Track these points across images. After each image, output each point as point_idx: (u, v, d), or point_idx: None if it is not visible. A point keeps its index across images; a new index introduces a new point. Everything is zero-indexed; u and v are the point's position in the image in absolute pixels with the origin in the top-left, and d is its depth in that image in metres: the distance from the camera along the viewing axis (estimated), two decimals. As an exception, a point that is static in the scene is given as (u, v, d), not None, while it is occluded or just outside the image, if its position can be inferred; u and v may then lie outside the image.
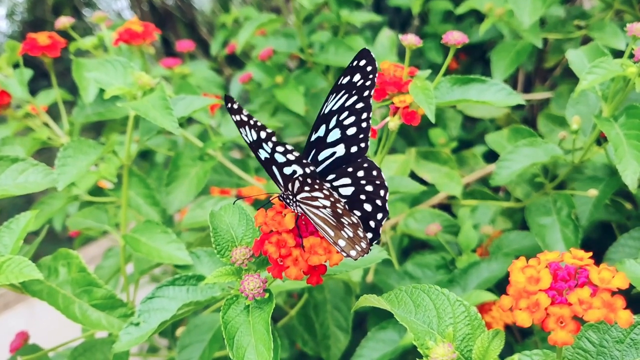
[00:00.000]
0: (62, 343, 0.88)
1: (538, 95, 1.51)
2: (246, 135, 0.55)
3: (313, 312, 1.03)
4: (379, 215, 0.59)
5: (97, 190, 1.19)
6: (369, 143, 0.60)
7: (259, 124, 0.53)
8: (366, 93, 0.59)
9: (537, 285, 0.45)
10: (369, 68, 0.59)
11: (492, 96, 0.83)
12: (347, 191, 0.60)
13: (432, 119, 0.76)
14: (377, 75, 0.59)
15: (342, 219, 0.54)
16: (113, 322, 0.75)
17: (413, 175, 1.19)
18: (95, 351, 0.79)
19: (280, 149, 0.54)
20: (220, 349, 0.80)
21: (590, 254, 0.47)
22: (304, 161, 0.55)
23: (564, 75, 1.60)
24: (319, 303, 1.03)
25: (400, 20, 2.00)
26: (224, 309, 0.59)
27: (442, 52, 1.60)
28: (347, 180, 0.60)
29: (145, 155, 1.62)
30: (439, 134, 1.47)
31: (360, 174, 0.59)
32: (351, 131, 0.60)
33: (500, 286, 0.99)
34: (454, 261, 1.05)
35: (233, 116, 0.54)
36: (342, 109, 0.60)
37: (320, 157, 0.61)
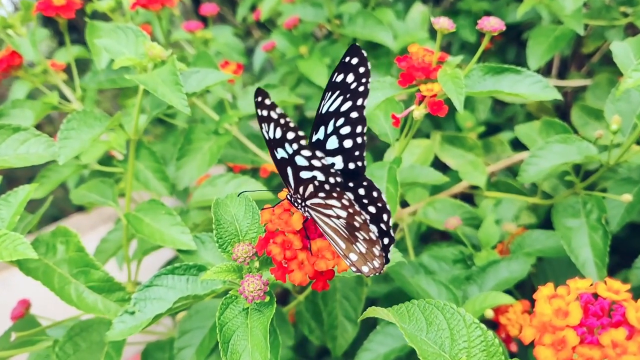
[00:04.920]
0: (64, 319, 0.86)
1: (573, 82, 1.43)
2: (267, 132, 0.49)
3: (321, 300, 0.99)
4: (385, 240, 0.54)
5: (109, 160, 1.15)
6: (365, 163, 0.54)
7: (291, 125, 0.47)
8: (359, 102, 0.53)
9: (565, 319, 0.40)
10: (361, 70, 0.52)
11: (526, 89, 0.78)
12: None
13: (460, 110, 0.72)
14: (369, 79, 0.52)
15: (357, 233, 0.50)
16: (110, 306, 0.72)
17: (437, 160, 1.14)
18: (92, 331, 0.76)
19: (306, 153, 0.48)
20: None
21: (628, 286, 0.42)
22: (332, 170, 0.49)
23: (602, 62, 1.51)
24: (328, 291, 0.99)
25: (434, -5, 1.92)
26: (220, 310, 0.55)
27: (475, 31, 1.52)
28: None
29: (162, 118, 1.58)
30: (467, 117, 1.42)
31: (362, 192, 0.54)
32: (348, 144, 0.54)
33: (519, 287, 0.94)
34: (473, 256, 1.00)
35: (260, 110, 0.48)
36: (338, 113, 0.54)
37: None
